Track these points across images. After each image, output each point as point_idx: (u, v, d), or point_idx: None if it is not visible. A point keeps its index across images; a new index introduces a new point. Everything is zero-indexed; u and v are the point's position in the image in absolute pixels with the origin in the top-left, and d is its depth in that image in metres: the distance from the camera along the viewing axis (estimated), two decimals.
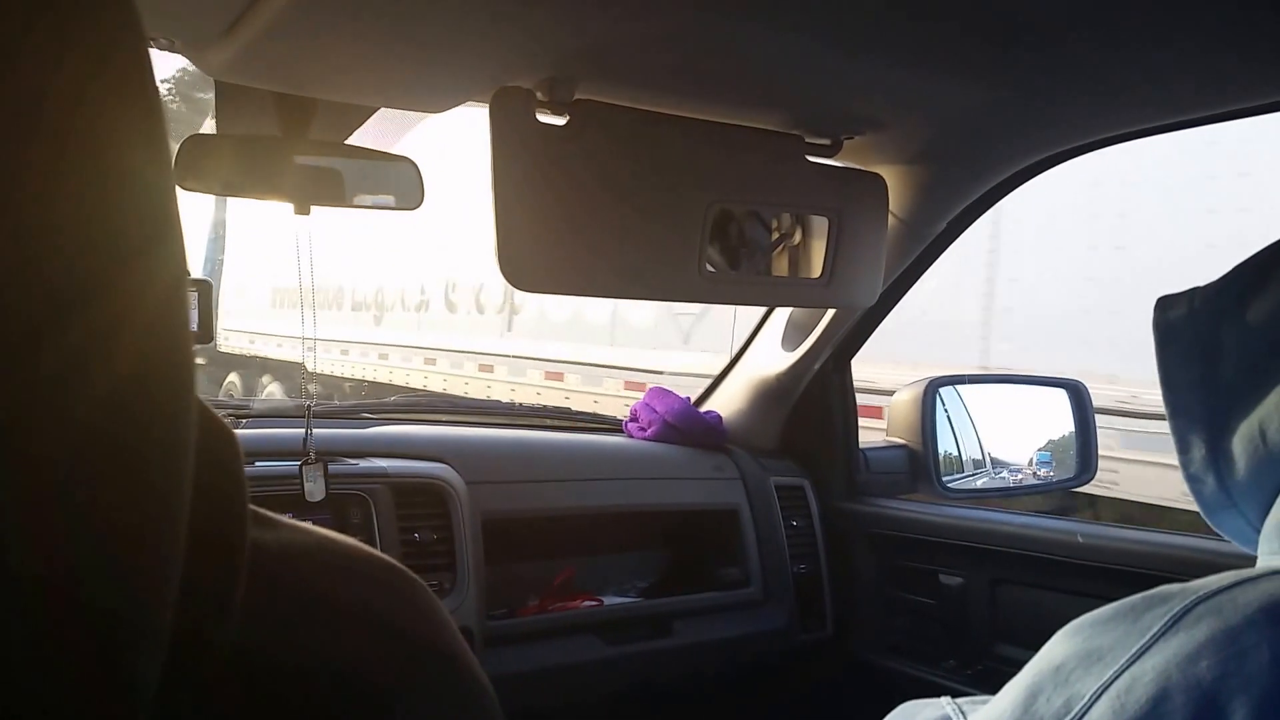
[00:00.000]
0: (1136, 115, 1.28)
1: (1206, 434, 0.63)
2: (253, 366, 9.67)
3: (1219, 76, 1.10)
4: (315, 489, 1.36)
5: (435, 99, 1.12)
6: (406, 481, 1.44)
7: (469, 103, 1.11)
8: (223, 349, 10.03)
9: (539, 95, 1.06)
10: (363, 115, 1.20)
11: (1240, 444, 0.62)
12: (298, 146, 1.12)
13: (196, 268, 9.85)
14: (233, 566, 0.31)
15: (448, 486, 1.46)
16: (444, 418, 1.82)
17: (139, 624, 0.25)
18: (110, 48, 0.25)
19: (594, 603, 1.61)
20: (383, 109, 1.18)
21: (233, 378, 9.85)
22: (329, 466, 1.39)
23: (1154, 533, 1.51)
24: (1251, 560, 0.62)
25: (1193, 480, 0.65)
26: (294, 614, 0.35)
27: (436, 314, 7.76)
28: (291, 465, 1.37)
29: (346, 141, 1.23)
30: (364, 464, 1.46)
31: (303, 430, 1.41)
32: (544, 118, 1.08)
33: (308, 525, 0.39)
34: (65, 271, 0.23)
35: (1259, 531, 0.63)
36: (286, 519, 0.38)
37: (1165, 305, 0.67)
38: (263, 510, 0.36)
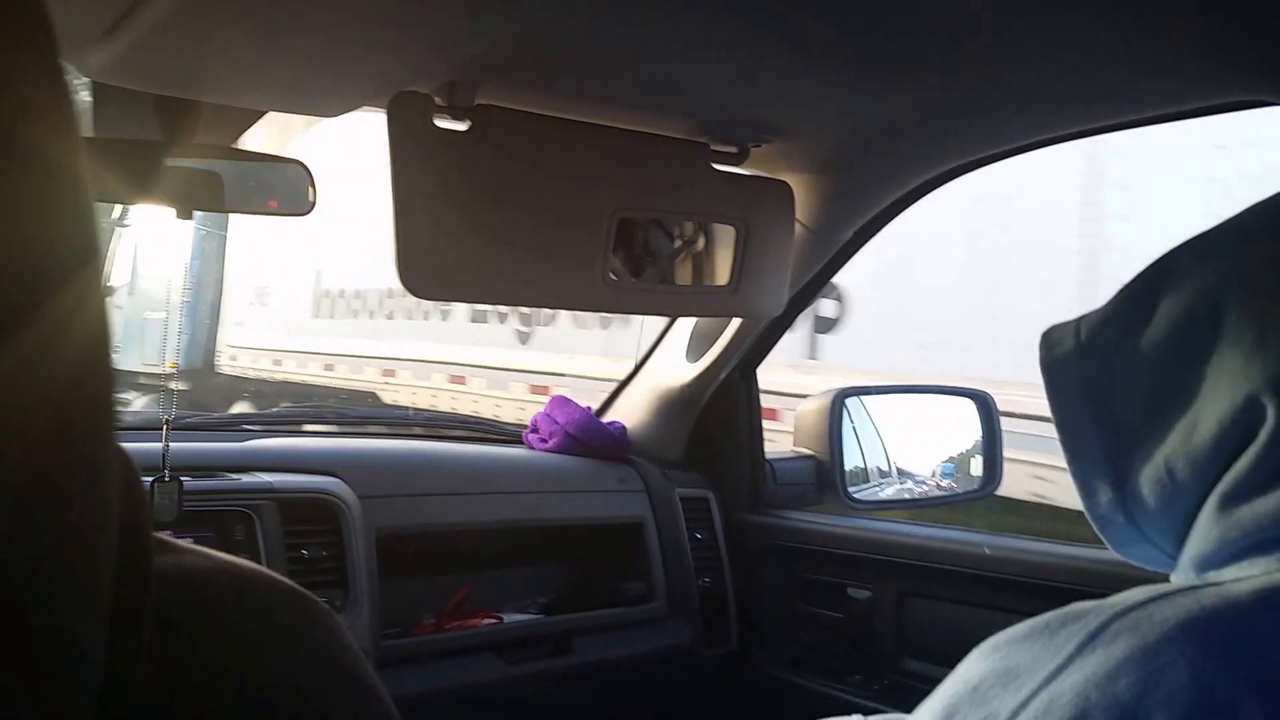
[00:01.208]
0: (1042, 125, 1.35)
1: (1110, 477, 0.64)
2: (271, 395, 8.35)
3: (1125, 87, 1.16)
4: (166, 508, 1.34)
5: (328, 103, 1.13)
6: (294, 497, 1.44)
7: (365, 108, 1.13)
8: (228, 370, 9.14)
9: (438, 100, 1.08)
10: (250, 118, 1.20)
11: (1148, 484, 0.62)
12: (179, 150, 1.12)
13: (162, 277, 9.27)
14: (141, 594, 0.32)
15: (338, 501, 1.47)
16: (334, 429, 1.82)
17: (77, 655, 0.27)
18: (21, 64, 0.25)
19: (493, 620, 1.63)
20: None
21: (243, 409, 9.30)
22: (210, 482, 1.39)
23: (1062, 545, 1.56)
24: (1163, 577, 0.64)
25: (1101, 522, 0.66)
26: (202, 642, 0.36)
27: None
28: (144, 481, 1.35)
29: (234, 145, 1.23)
30: (248, 479, 1.45)
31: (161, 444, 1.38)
32: (444, 123, 1.10)
33: (207, 550, 0.40)
34: None
35: (1172, 556, 0.64)
36: (185, 543, 0.40)
37: (1051, 342, 0.66)
38: (162, 535, 0.38)
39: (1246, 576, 0.56)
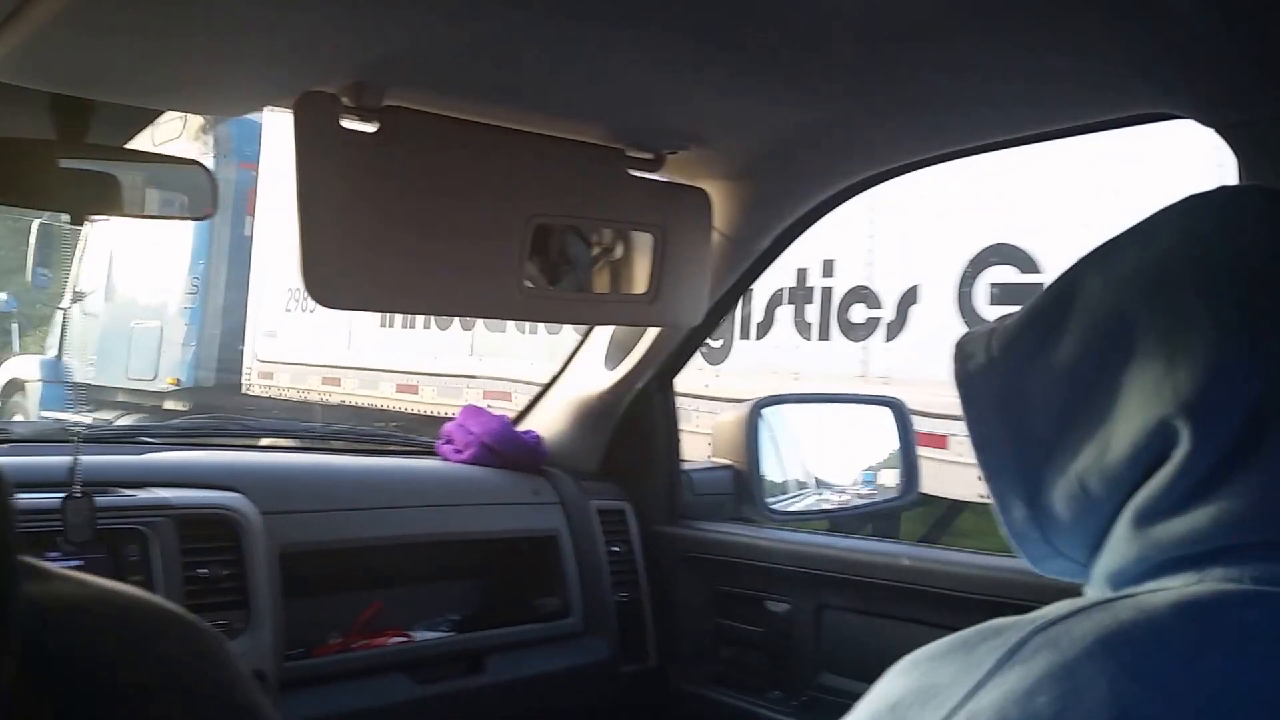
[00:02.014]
0: (958, 136, 1.39)
1: (1024, 493, 0.65)
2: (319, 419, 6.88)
3: (1033, 101, 1.20)
4: (80, 526, 1.31)
5: (230, 103, 1.11)
6: (192, 513, 1.41)
7: (270, 108, 1.11)
8: (258, 390, 7.90)
9: (345, 101, 1.07)
10: (148, 117, 1.18)
11: (1061, 499, 0.63)
12: (72, 151, 1.09)
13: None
14: (3, 619, 0.31)
15: (239, 518, 1.44)
16: (237, 441, 1.78)
17: None
18: None
19: (402, 639, 1.61)
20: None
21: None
22: (102, 498, 1.35)
23: (981, 555, 1.59)
24: (1080, 588, 0.66)
25: (1018, 537, 0.67)
26: (80, 676, 0.35)
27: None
28: (54, 498, 1.32)
29: (128, 145, 1.20)
30: (143, 495, 1.41)
31: (70, 457, 1.35)
32: (351, 124, 1.09)
33: (84, 576, 0.39)
34: None
35: (1086, 568, 0.65)
36: (61, 568, 0.39)
37: (964, 354, 0.68)
38: (35, 560, 0.36)
39: (1164, 588, 0.57)
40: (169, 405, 8.17)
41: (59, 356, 9.62)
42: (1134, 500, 0.60)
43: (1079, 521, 0.64)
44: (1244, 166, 1.04)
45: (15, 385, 9.76)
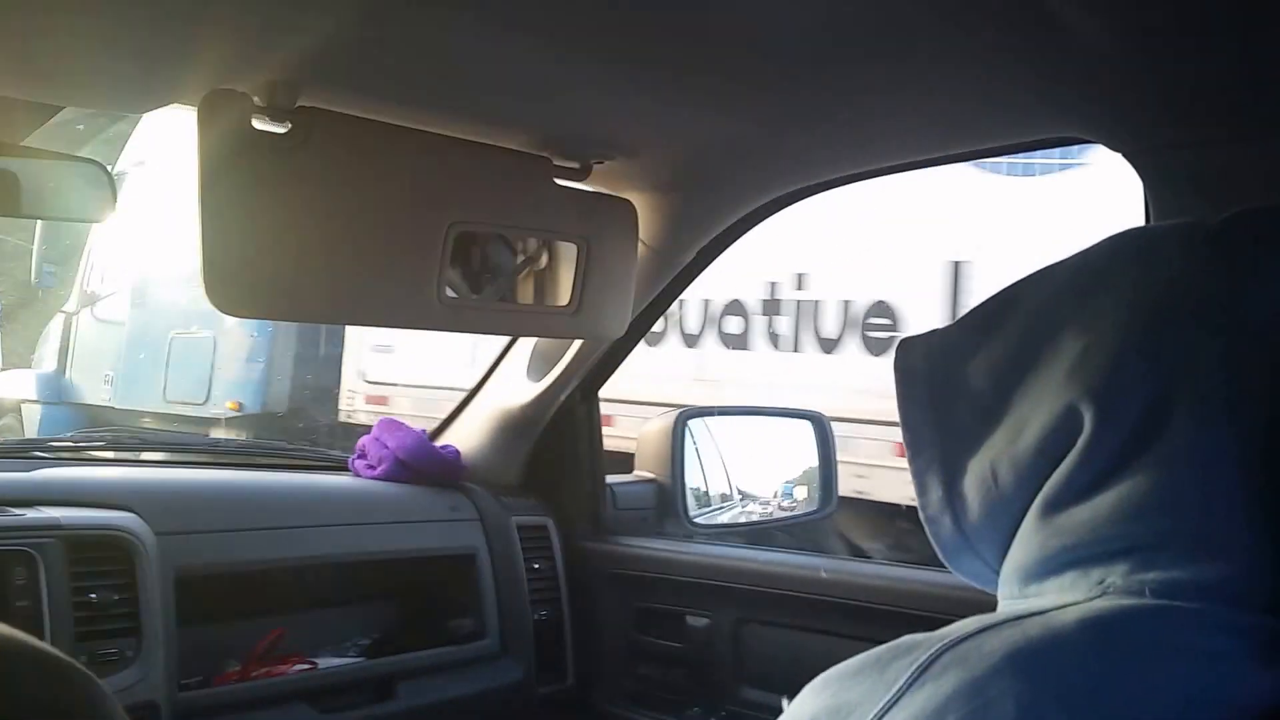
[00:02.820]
0: (881, 153, 1.42)
1: (942, 475, 0.68)
2: None
3: (953, 121, 1.23)
4: None
5: (134, 99, 1.07)
6: (83, 535, 1.34)
7: (176, 105, 1.07)
8: (362, 418, 6.45)
9: (257, 100, 1.04)
10: (46, 113, 1.12)
11: (973, 486, 0.67)
12: None
13: None
14: None
15: (133, 539, 1.37)
16: (132, 457, 1.70)
17: None
18: None
19: (306, 666, 1.57)
20: None
21: None
22: None
23: (897, 567, 1.64)
24: (993, 599, 0.68)
25: (931, 522, 0.70)
26: None
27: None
28: None
29: (25, 143, 1.14)
30: (31, 514, 1.34)
31: None
32: (262, 125, 1.06)
33: None
34: None
35: (997, 573, 0.68)
36: None
37: (905, 350, 0.72)
38: None
39: (1069, 603, 0.59)
40: (228, 436, 6.52)
41: (61, 371, 7.95)
42: (1041, 492, 0.63)
43: (989, 515, 0.67)
44: (1150, 192, 1.09)
45: (4, 407, 8.05)
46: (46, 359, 8.18)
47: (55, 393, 7.86)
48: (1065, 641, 0.56)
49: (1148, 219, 1.11)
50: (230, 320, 6.22)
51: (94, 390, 7.69)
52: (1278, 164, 0.99)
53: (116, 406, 7.42)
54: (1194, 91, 1.00)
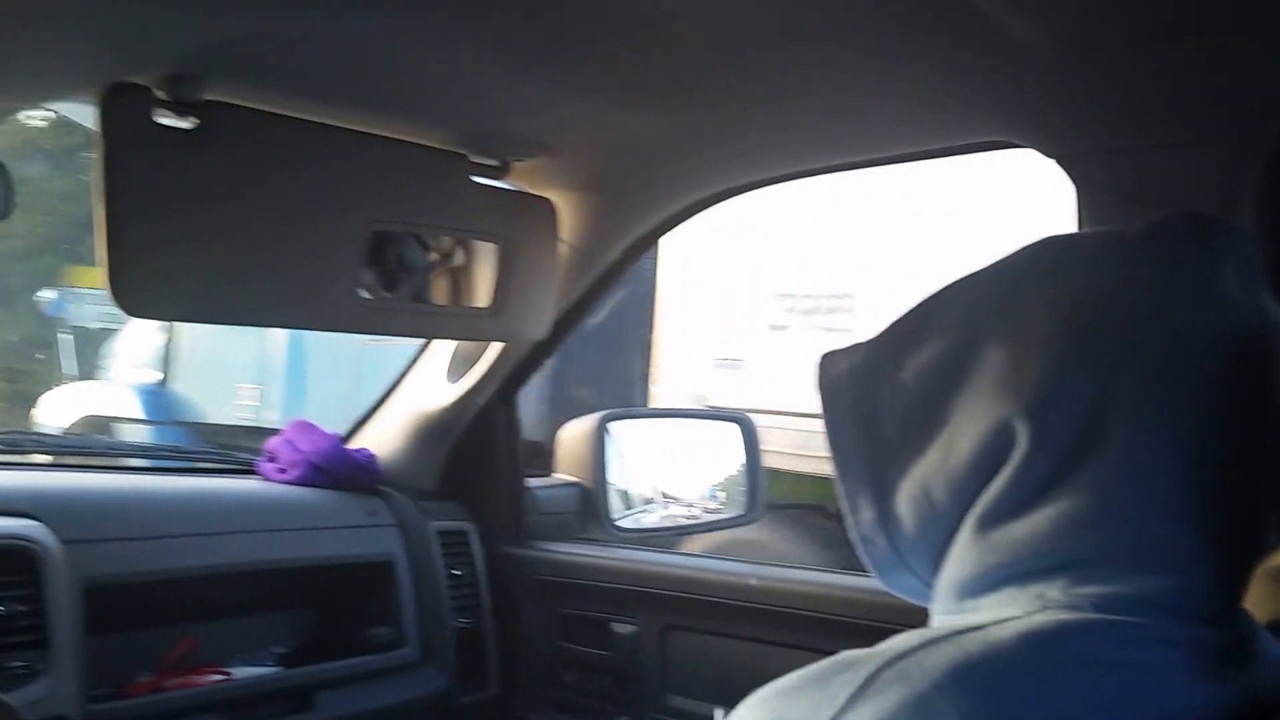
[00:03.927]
0: (809, 155, 1.43)
1: (873, 495, 0.68)
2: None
3: (884, 124, 1.25)
4: None
5: (27, 92, 1.04)
6: None
7: (73, 99, 1.04)
8: None
9: (159, 94, 1.02)
10: None
11: (906, 504, 0.67)
12: None
13: None
14: None
15: (38, 549, 1.33)
16: (32, 460, 1.65)
17: None
18: None
19: (220, 676, 1.54)
20: None
21: None
22: None
23: (827, 574, 1.64)
24: (923, 606, 0.70)
25: (864, 542, 0.70)
26: None
27: None
28: None
29: None
30: None
31: None
32: (166, 120, 1.04)
33: None
34: None
35: (929, 586, 0.69)
36: None
37: (828, 363, 0.72)
38: None
39: (1008, 618, 0.60)
40: None
41: (163, 384, 6.60)
42: (975, 508, 0.63)
43: (923, 532, 0.67)
44: (1082, 198, 1.10)
45: (98, 425, 6.54)
46: (138, 370, 6.69)
47: (162, 409, 6.52)
48: (1004, 656, 0.57)
49: (1080, 225, 1.11)
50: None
51: (219, 406, 6.42)
52: (1208, 171, 1.01)
53: (268, 427, 5.67)
54: (1126, 97, 1.01)
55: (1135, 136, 1.05)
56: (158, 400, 6.57)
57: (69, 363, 7.34)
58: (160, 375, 6.56)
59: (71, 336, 7.48)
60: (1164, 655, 0.58)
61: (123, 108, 1.00)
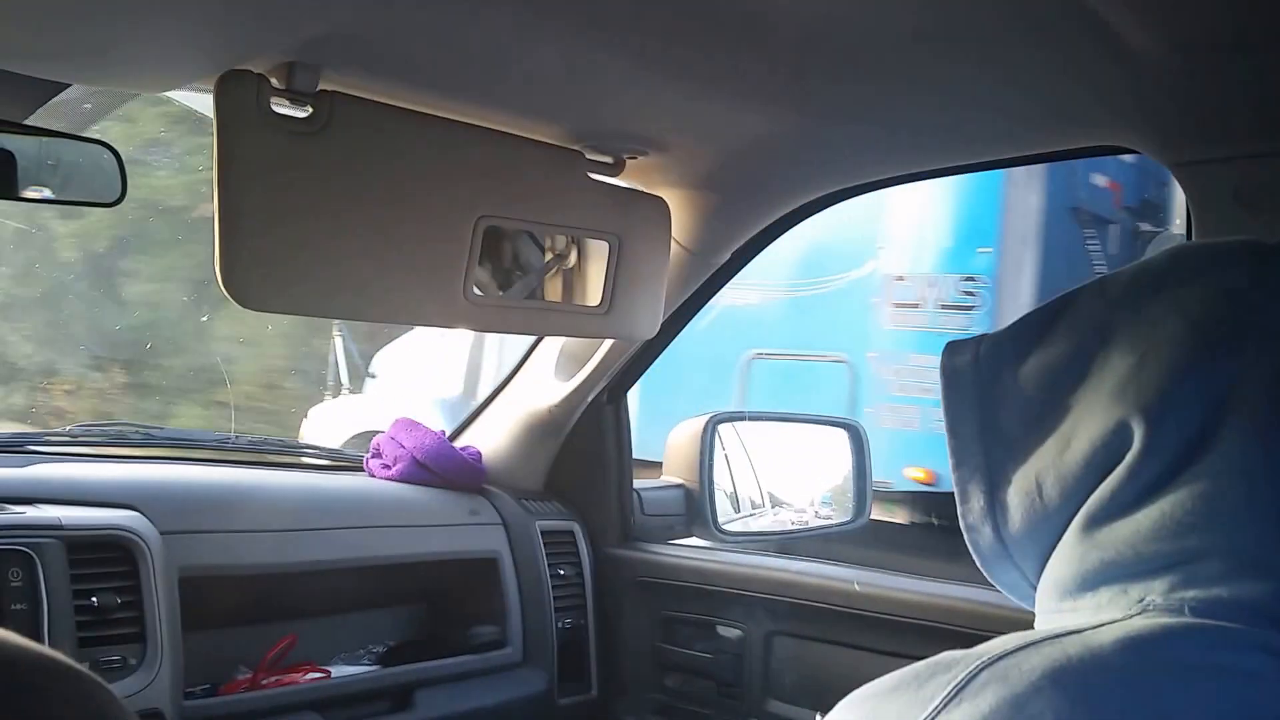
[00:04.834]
0: (921, 157, 1.41)
1: (985, 484, 0.68)
2: None
3: (999, 126, 1.22)
4: None
5: (145, 78, 1.05)
6: (84, 535, 1.31)
7: (191, 86, 1.04)
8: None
9: (275, 82, 1.01)
10: (49, 90, 1.09)
11: (1016, 496, 0.66)
12: None
13: None
14: None
15: (136, 539, 1.34)
16: (136, 453, 1.67)
17: None
18: None
19: (319, 674, 1.54)
20: None
21: None
22: None
23: (931, 582, 1.61)
24: (1028, 615, 0.68)
25: (970, 530, 0.69)
26: None
27: None
28: None
29: (28, 121, 1.11)
30: (31, 512, 1.31)
31: None
32: (282, 109, 1.03)
33: None
34: None
35: (1034, 586, 0.68)
36: None
37: (952, 350, 0.72)
38: None
39: (1107, 621, 0.59)
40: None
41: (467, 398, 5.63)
42: (1084, 507, 0.63)
43: (1030, 526, 0.67)
44: (1193, 204, 1.11)
45: None
46: (433, 383, 5.92)
47: None
48: (1104, 660, 0.56)
49: (1189, 232, 1.13)
50: (884, 340, 4.77)
51: None
52: None
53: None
54: (1240, 106, 1.01)
55: (1247, 144, 1.05)
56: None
57: (343, 372, 6.37)
58: (459, 389, 5.79)
59: (342, 340, 6.42)
60: (1261, 662, 0.56)
61: (239, 95, 0.99)
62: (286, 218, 1.05)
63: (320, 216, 1.07)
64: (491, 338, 5.63)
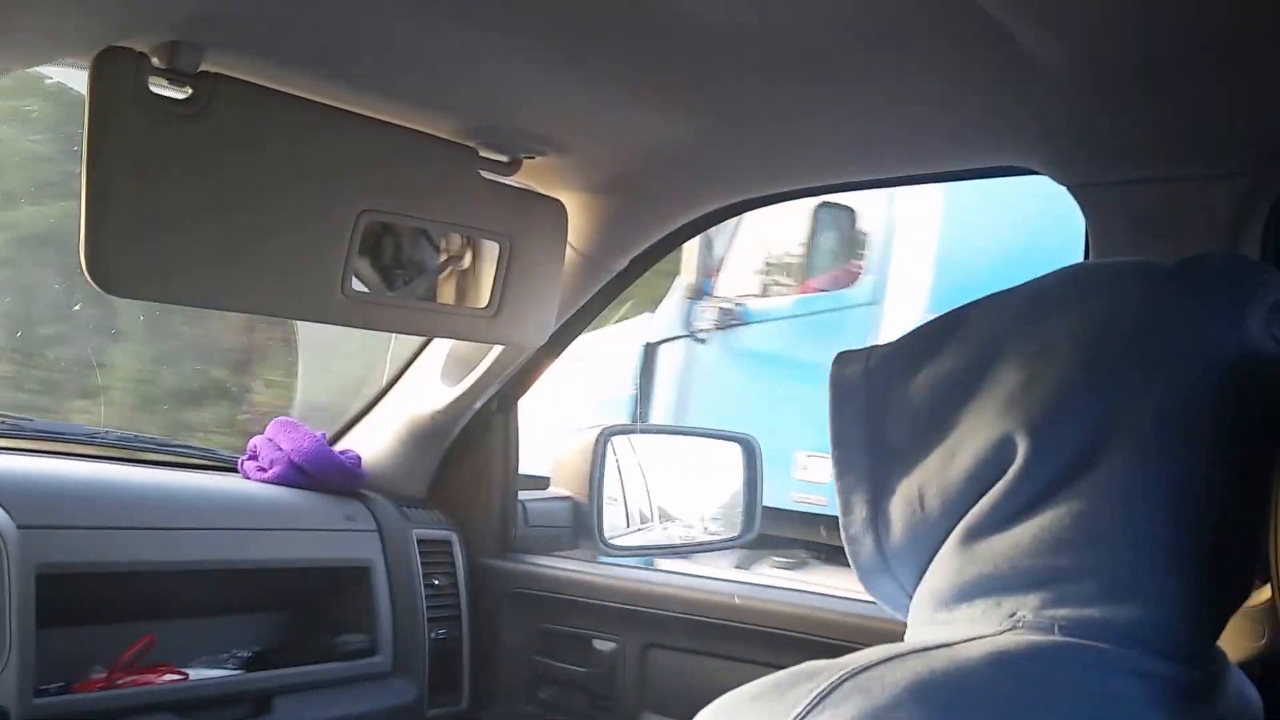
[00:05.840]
0: (822, 172, 1.43)
1: (869, 494, 0.69)
2: None
3: (906, 143, 1.24)
4: None
5: (17, 52, 1.00)
6: None
7: (64, 62, 1.01)
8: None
9: (156, 61, 0.99)
10: None
11: (899, 507, 0.67)
12: None
13: None
14: None
15: None
16: (3, 444, 1.60)
17: None
18: None
19: (177, 676, 1.49)
20: None
21: None
22: None
23: (810, 595, 1.63)
24: (904, 628, 0.69)
25: (851, 541, 0.70)
26: None
27: None
28: None
29: None
30: None
31: None
32: (161, 89, 1.01)
33: None
34: None
35: (910, 597, 0.69)
36: None
37: (842, 362, 0.73)
38: None
39: (977, 636, 0.60)
40: None
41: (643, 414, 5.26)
42: (964, 519, 0.64)
43: (911, 538, 0.67)
44: (1091, 227, 1.12)
45: None
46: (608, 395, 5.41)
47: None
48: (968, 676, 0.56)
49: (1086, 253, 1.13)
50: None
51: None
52: (1218, 206, 1.02)
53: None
54: (1141, 129, 1.02)
55: (1148, 169, 1.06)
56: None
57: None
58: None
59: None
60: (1128, 686, 0.58)
61: (115, 72, 0.96)
62: (157, 202, 1.02)
63: (193, 202, 1.05)
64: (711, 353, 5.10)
